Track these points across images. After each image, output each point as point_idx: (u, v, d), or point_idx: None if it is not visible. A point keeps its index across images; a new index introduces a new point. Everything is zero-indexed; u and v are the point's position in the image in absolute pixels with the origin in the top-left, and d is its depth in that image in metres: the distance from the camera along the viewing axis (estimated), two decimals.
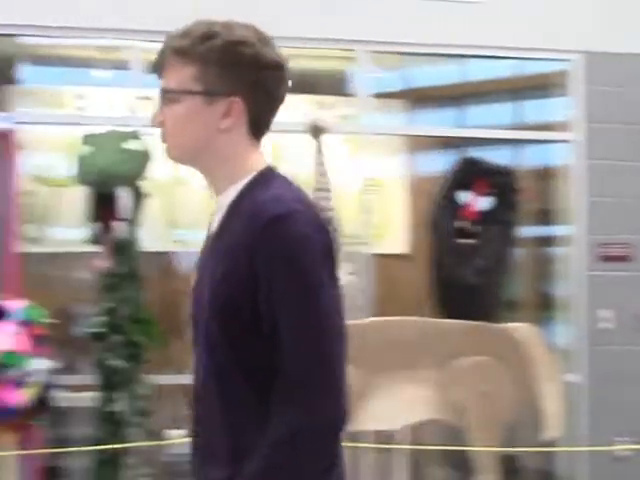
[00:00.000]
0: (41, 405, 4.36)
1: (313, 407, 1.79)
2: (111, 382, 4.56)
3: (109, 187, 4.59)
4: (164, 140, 2.01)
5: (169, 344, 5.08)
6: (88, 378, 4.80)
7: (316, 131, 4.90)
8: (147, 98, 5.53)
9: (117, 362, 4.54)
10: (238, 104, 1.94)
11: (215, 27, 1.94)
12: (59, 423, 5.22)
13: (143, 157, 4.72)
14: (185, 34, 1.95)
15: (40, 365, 4.32)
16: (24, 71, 6.08)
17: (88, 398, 4.81)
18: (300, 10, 5.43)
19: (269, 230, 1.83)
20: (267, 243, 1.83)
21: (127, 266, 4.61)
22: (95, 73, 6.06)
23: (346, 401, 1.83)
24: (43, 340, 4.42)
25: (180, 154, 2.02)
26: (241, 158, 1.98)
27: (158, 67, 2.00)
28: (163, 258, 6.05)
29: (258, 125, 1.98)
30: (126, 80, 5.49)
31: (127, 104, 5.49)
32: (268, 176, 1.97)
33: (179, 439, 4.69)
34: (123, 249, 4.62)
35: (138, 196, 4.68)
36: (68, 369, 5.03)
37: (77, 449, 5.06)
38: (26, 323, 4.39)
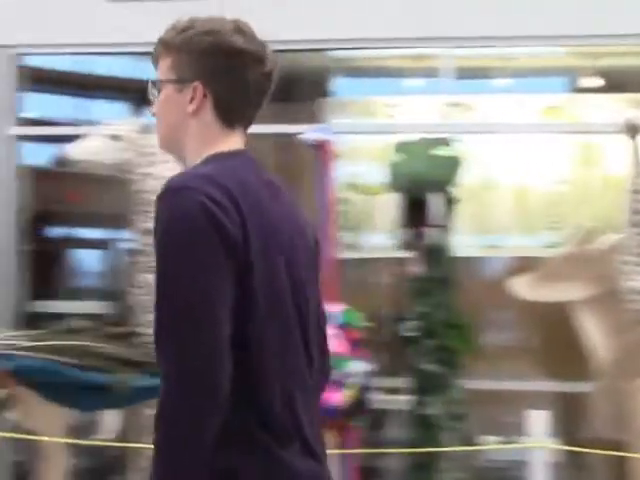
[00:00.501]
0: (359, 406, 4.49)
1: None
2: (425, 386, 4.61)
3: (421, 193, 4.65)
4: (157, 132, 2.06)
5: (482, 349, 5.07)
6: (403, 381, 4.89)
7: (632, 130, 4.70)
8: (457, 105, 5.57)
9: (431, 366, 4.58)
10: (199, 89, 1.99)
11: (195, 20, 2.02)
12: (375, 425, 5.35)
13: (454, 163, 4.74)
14: (171, 28, 2.03)
15: (358, 367, 4.45)
16: (338, 83, 6.32)
17: (403, 401, 4.90)
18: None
19: (157, 201, 1.87)
20: (156, 213, 1.87)
21: (440, 271, 4.65)
22: (406, 82, 6.18)
23: None
24: (360, 343, 4.55)
25: (165, 143, 2.08)
26: (210, 143, 2.00)
27: (154, 59, 2.07)
28: (474, 263, 6.05)
29: (227, 111, 2.01)
30: (436, 87, 5.56)
31: (438, 111, 5.55)
32: (216, 158, 1.98)
33: (494, 445, 4.66)
34: (435, 254, 4.66)
35: (449, 202, 4.70)
36: (383, 372, 5.14)
37: (392, 451, 5.16)
38: (344, 326, 4.54)
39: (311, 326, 2.02)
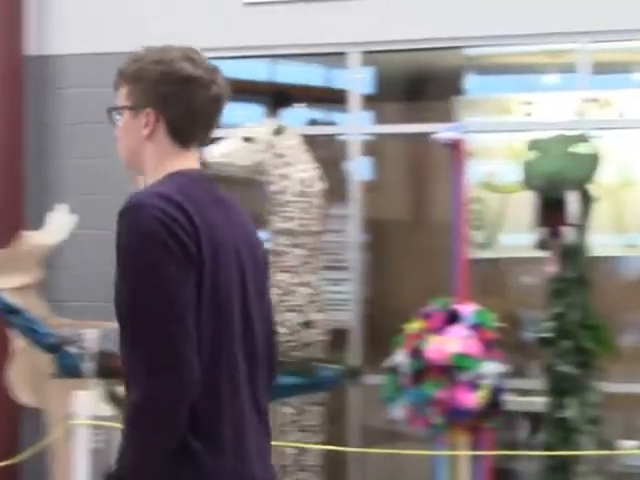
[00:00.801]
0: (492, 408, 4.45)
1: None
2: (561, 388, 4.52)
3: (557, 192, 4.56)
4: (120, 153, 2.30)
5: (619, 351, 4.95)
6: (537, 383, 4.81)
7: None
8: (595, 100, 5.44)
9: (567, 368, 4.49)
10: (151, 114, 2.20)
11: (149, 50, 2.23)
12: (509, 426, 5.29)
13: (592, 160, 4.64)
14: (128, 59, 2.24)
15: (491, 368, 4.40)
16: (471, 81, 6.27)
17: (537, 403, 4.83)
18: None
19: (119, 218, 2.07)
20: (118, 230, 2.06)
21: (576, 271, 4.55)
22: (541, 78, 6.08)
23: None
24: (493, 344, 4.51)
25: (127, 163, 2.30)
26: (166, 163, 2.21)
27: (115, 87, 2.28)
28: (612, 263, 5.91)
29: (180, 132, 2.21)
30: (573, 83, 5.45)
31: (574, 107, 5.44)
32: (171, 177, 2.17)
33: (632, 450, 4.54)
34: (572, 254, 4.57)
35: (587, 200, 4.61)
36: (517, 373, 5.07)
37: (527, 453, 5.09)
38: (477, 327, 4.50)
39: (257, 331, 2.21)
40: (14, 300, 4.87)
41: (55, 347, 4.75)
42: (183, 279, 2.03)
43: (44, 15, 6.03)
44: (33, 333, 4.78)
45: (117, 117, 2.27)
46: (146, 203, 2.06)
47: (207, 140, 2.29)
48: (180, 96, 2.19)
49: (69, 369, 4.70)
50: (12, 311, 4.77)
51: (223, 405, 2.08)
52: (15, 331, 4.97)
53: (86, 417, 4.46)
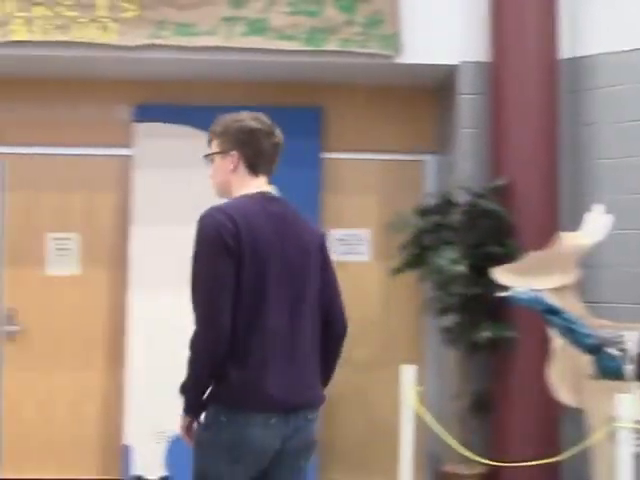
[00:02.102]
0: None
1: None
2: None
3: None
4: (213, 187, 3.43)
5: None
6: None
7: None
8: None
9: None
10: (235, 155, 3.32)
11: (226, 116, 3.38)
12: None
13: None
14: (214, 124, 3.39)
15: None
16: None
17: None
18: None
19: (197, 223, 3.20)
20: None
21: None
22: None
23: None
24: None
25: (219, 193, 3.42)
26: (242, 187, 3.31)
27: (208, 142, 3.42)
28: None
29: (253, 165, 3.31)
30: None
31: None
32: (236, 198, 3.29)
33: None
34: None
35: None
36: None
37: None
38: None
39: (302, 301, 3.24)
40: (554, 300, 4.94)
41: (595, 348, 4.74)
42: (224, 266, 3.11)
43: (575, 19, 6.06)
44: (572, 333, 4.81)
45: (208, 162, 3.40)
46: (209, 214, 3.20)
47: (270, 172, 3.37)
48: (252, 142, 3.31)
49: (610, 371, 4.67)
50: (552, 311, 4.85)
51: (252, 348, 3.12)
52: (555, 331, 5.04)
53: (629, 420, 4.39)
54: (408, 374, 5.24)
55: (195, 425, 3.24)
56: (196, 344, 3.12)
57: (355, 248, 6.84)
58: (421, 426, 5.42)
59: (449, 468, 5.90)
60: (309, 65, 6.24)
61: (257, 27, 6.01)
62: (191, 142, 6.63)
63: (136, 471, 6.44)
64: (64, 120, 6.79)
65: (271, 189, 3.35)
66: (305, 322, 3.24)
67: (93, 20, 5.97)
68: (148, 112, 6.68)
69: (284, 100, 6.68)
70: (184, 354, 6.40)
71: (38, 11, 5.95)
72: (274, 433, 3.13)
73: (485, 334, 5.68)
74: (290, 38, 6.01)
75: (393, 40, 6.06)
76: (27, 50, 6.00)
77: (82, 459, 6.72)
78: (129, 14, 5.98)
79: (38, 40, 5.95)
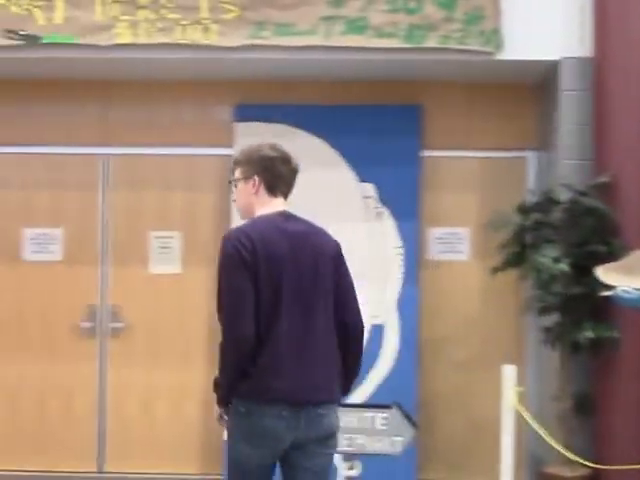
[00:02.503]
0: None
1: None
2: None
3: None
4: (237, 209, 3.90)
5: None
6: None
7: None
8: None
9: None
10: (256, 180, 3.77)
11: (249, 147, 3.85)
12: None
13: None
14: (237, 154, 3.88)
15: None
16: None
17: None
18: None
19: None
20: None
21: None
22: None
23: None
24: None
25: (242, 214, 3.86)
26: (262, 207, 3.77)
27: (232, 170, 3.85)
28: None
29: (272, 188, 3.77)
30: None
31: None
32: (254, 219, 3.76)
33: None
34: None
35: None
36: None
37: None
38: None
39: (315, 307, 3.63)
40: None
41: None
42: (243, 279, 3.55)
43: None
44: None
45: (232, 188, 3.86)
46: (229, 234, 3.68)
47: (287, 194, 3.84)
48: (270, 168, 3.77)
49: None
50: None
51: (266, 351, 3.54)
52: None
53: None
54: (509, 374, 5.18)
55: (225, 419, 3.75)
56: (223, 349, 3.61)
57: (454, 247, 6.79)
58: (522, 427, 5.36)
59: (551, 470, 5.82)
60: (408, 63, 6.22)
61: (356, 26, 6.02)
62: (290, 141, 6.67)
63: None
64: (166, 121, 6.91)
65: (286, 207, 3.82)
66: (317, 328, 3.64)
67: (195, 22, 6.06)
68: (247, 112, 6.76)
69: (383, 98, 6.68)
70: None
71: (142, 14, 6.07)
72: (287, 424, 3.56)
73: (587, 334, 5.58)
74: (389, 36, 6.01)
75: (493, 36, 6.00)
76: (131, 53, 6.13)
77: (184, 455, 6.83)
78: (230, 15, 6.05)
79: (142, 43, 6.07)
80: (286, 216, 3.76)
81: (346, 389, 3.80)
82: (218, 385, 3.68)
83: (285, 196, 3.81)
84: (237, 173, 3.82)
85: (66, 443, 6.84)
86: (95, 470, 6.86)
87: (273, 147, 3.81)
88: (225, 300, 3.57)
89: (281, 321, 3.56)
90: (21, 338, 6.88)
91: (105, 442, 6.88)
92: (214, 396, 3.73)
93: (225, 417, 3.70)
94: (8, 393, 6.90)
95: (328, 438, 3.67)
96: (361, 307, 3.76)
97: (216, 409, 3.75)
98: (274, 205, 3.76)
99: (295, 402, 3.56)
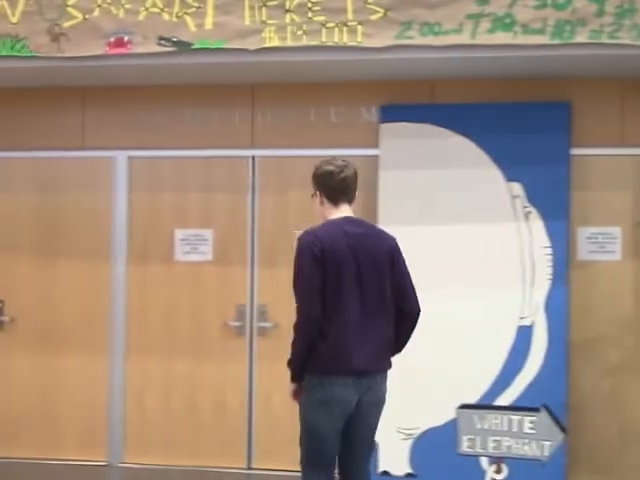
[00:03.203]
0: None
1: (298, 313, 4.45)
2: None
3: None
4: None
5: None
6: None
7: None
8: None
9: None
10: (318, 194, 4.68)
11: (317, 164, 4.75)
12: None
13: None
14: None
15: None
16: None
17: None
18: None
19: (297, 240, 4.55)
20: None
21: None
22: None
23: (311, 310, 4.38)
24: None
25: (319, 219, 4.67)
26: (329, 214, 4.64)
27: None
28: None
29: (332, 199, 4.61)
30: None
31: None
32: (323, 223, 4.61)
33: None
34: None
35: None
36: None
37: None
38: None
39: (372, 294, 4.48)
40: None
41: None
42: (313, 270, 4.37)
43: None
44: None
45: (312, 200, 4.73)
46: (303, 236, 4.50)
47: (349, 200, 4.65)
48: (327, 182, 4.60)
49: None
50: None
51: (332, 332, 4.36)
52: None
53: None
54: None
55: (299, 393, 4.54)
56: (297, 329, 4.42)
57: (606, 247, 6.63)
58: None
59: None
60: (557, 59, 6.11)
61: (503, 23, 5.95)
62: (436, 140, 6.67)
63: (382, 467, 6.53)
64: (313, 122, 6.99)
65: (350, 212, 4.65)
66: (374, 312, 4.48)
67: (341, 24, 6.11)
68: (393, 112, 6.77)
69: (531, 96, 6.58)
70: (431, 353, 6.42)
71: (289, 18, 6.16)
72: (352, 390, 4.44)
73: None
74: (537, 32, 5.91)
75: None
76: (279, 56, 6.23)
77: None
78: (375, 16, 6.08)
79: (289, 46, 6.16)
80: (349, 220, 4.61)
81: (394, 354, 4.70)
82: (292, 363, 4.48)
83: (349, 202, 4.67)
84: (312, 187, 4.76)
85: (216, 440, 6.99)
86: (244, 466, 6.99)
87: (330, 162, 4.66)
88: (299, 288, 4.43)
89: (343, 310, 4.41)
90: (173, 337, 7.08)
91: (253, 439, 6.99)
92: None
93: (298, 392, 4.53)
94: (161, 391, 7.11)
95: (380, 404, 4.62)
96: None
97: (289, 385, 4.57)
98: (339, 212, 4.63)
99: (358, 372, 4.44)
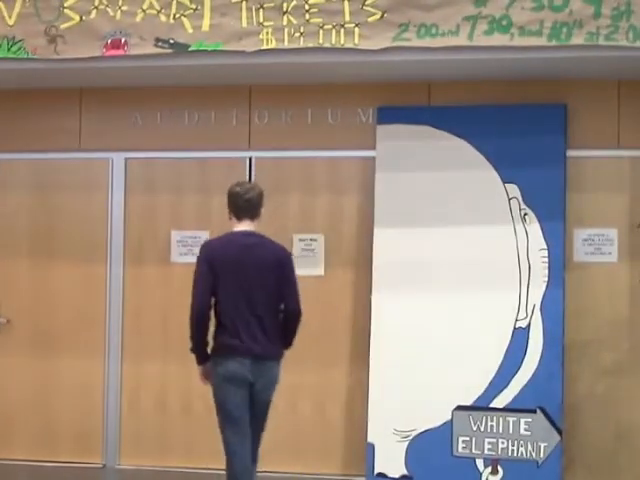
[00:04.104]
0: None
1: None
2: None
3: None
4: None
5: None
6: None
7: None
8: None
9: None
10: (228, 210, 5.36)
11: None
12: None
13: None
14: None
15: None
16: None
17: None
18: None
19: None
20: None
21: None
22: None
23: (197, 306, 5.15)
24: None
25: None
26: (233, 228, 5.32)
27: None
28: None
29: (236, 216, 5.30)
30: None
31: None
32: (224, 234, 5.36)
33: None
34: None
35: None
36: None
37: None
38: None
39: (257, 293, 5.20)
40: None
41: None
42: (205, 273, 5.14)
43: None
44: None
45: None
46: (203, 243, 5.39)
47: (251, 216, 5.32)
48: (233, 201, 5.31)
49: None
50: None
51: (229, 318, 5.17)
52: None
53: None
54: None
55: (207, 374, 5.32)
56: (191, 320, 5.17)
57: (602, 248, 6.64)
58: None
59: None
60: (553, 61, 6.12)
61: (500, 25, 5.96)
62: (432, 142, 6.67)
63: (378, 469, 6.53)
64: (309, 124, 6.99)
65: (250, 227, 5.33)
66: (260, 309, 5.20)
67: (338, 26, 6.12)
68: (390, 114, 6.77)
69: (527, 97, 6.60)
70: (428, 355, 6.42)
71: (286, 20, 6.17)
72: (247, 369, 5.18)
73: None
74: (534, 34, 5.92)
75: None
76: (276, 58, 6.23)
77: (327, 455, 6.89)
78: (373, 18, 6.08)
79: (286, 48, 6.17)
80: (246, 234, 5.30)
81: (286, 347, 5.42)
82: (193, 350, 5.26)
83: (252, 218, 5.33)
84: None
85: (211, 442, 6.98)
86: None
87: (239, 184, 5.41)
88: (194, 285, 5.18)
89: (234, 301, 5.18)
90: (169, 338, 7.06)
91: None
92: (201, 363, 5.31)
93: (207, 373, 5.28)
94: (156, 392, 7.10)
95: (271, 383, 5.29)
96: (299, 296, 5.35)
97: (198, 369, 5.33)
98: (241, 226, 5.32)
99: (249, 355, 5.17)
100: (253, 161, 7.05)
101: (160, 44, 6.29)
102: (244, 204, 5.27)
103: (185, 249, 7.10)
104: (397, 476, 6.50)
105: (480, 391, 6.46)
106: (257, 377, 5.22)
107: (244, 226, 5.30)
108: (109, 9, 6.32)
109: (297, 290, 5.37)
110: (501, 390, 6.41)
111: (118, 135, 7.19)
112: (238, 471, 5.24)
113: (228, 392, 5.19)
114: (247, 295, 5.18)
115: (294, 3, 6.16)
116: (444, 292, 6.52)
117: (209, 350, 5.27)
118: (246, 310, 5.19)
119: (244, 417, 5.25)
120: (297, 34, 6.16)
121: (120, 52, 6.32)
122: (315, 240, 6.98)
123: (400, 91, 6.78)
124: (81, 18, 6.34)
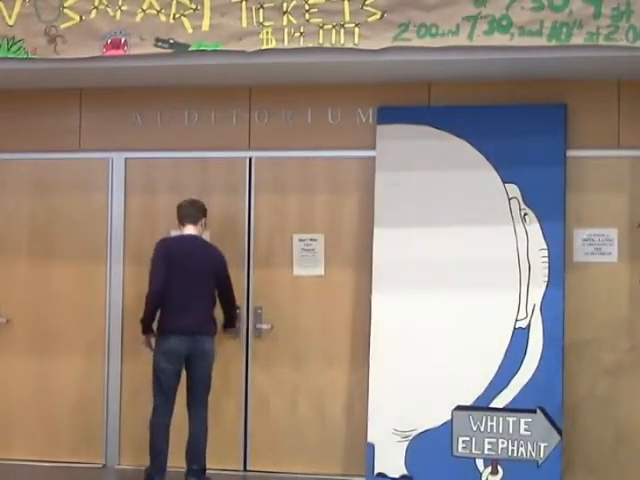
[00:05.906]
0: None
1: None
2: None
3: None
4: None
5: None
6: None
7: None
8: None
9: None
10: (178, 217, 6.67)
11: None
12: None
13: None
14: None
15: None
16: None
17: None
18: None
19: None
20: None
21: None
22: None
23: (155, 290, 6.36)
24: None
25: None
26: (182, 232, 6.60)
27: None
28: None
29: (181, 222, 6.60)
30: None
31: None
32: (176, 235, 6.66)
33: None
34: None
35: None
36: None
37: None
38: None
39: (196, 283, 6.42)
40: None
41: None
42: (160, 264, 6.35)
43: None
44: None
45: None
46: (159, 240, 6.56)
47: (194, 222, 6.55)
48: (179, 211, 6.60)
49: None
50: None
51: (170, 306, 6.33)
52: None
53: None
54: None
55: (148, 342, 6.48)
56: (147, 299, 6.33)
57: (602, 249, 6.64)
58: None
59: None
60: (553, 61, 6.12)
61: (500, 25, 5.96)
62: (432, 143, 6.67)
63: (378, 469, 6.52)
64: (309, 124, 7.00)
65: (192, 231, 6.53)
66: (197, 295, 6.36)
67: (338, 26, 6.11)
68: (390, 114, 6.77)
69: (527, 97, 6.60)
70: (427, 355, 6.41)
71: (286, 20, 6.17)
72: (184, 345, 6.30)
73: None
74: (534, 34, 5.92)
75: None
76: (276, 58, 6.23)
77: (327, 455, 6.88)
78: (373, 18, 6.08)
79: (286, 48, 6.16)
80: (190, 237, 6.50)
81: (227, 325, 6.75)
82: (143, 322, 6.36)
83: (194, 224, 6.52)
84: None
85: (212, 441, 6.99)
86: (240, 468, 6.98)
87: (185, 200, 6.63)
88: (151, 275, 6.32)
89: (177, 287, 6.31)
90: None
91: (249, 440, 6.98)
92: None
93: (149, 342, 6.45)
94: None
95: (205, 356, 6.37)
96: (237, 291, 6.61)
97: (142, 337, 6.42)
98: (186, 230, 6.54)
99: (187, 332, 6.30)
100: (253, 161, 7.05)
101: (160, 44, 6.28)
102: (185, 212, 6.56)
103: None
104: (397, 476, 6.50)
105: (480, 391, 6.46)
106: (193, 350, 6.33)
107: (189, 230, 6.54)
108: (109, 9, 6.32)
109: (231, 283, 6.61)
110: (501, 390, 6.41)
111: (118, 135, 7.19)
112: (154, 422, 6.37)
113: (165, 366, 6.30)
114: (189, 283, 6.36)
115: (294, 3, 6.16)
116: (444, 292, 6.52)
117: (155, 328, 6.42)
118: (187, 295, 6.33)
119: (174, 385, 6.34)
120: (297, 34, 6.15)
121: (120, 52, 6.32)
122: (315, 240, 6.97)
123: (400, 91, 6.78)
124: (81, 18, 6.34)
